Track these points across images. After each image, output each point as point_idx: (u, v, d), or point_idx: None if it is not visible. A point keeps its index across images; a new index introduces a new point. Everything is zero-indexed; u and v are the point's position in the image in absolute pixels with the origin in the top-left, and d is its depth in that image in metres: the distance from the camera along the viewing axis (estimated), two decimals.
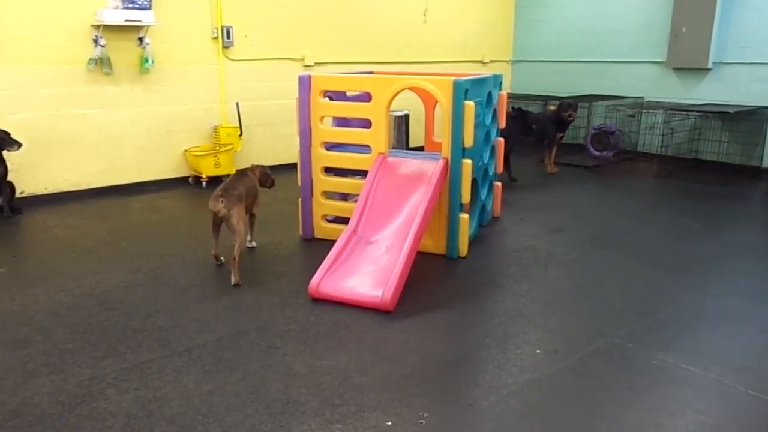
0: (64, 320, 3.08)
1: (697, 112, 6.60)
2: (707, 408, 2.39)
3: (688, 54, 6.93)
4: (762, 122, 6.51)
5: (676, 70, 7.18)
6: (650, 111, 7.26)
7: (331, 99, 4.33)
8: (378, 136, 4.00)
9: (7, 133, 4.72)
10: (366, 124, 4.10)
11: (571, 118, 6.46)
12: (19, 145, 4.74)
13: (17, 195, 5.03)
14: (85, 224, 4.71)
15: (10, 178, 4.85)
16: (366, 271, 3.42)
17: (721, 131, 6.86)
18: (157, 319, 3.10)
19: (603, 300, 3.41)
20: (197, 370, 2.62)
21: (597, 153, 7.40)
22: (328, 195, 4.36)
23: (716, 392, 2.50)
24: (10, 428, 2.22)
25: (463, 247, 4.02)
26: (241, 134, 6.18)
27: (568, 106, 6.47)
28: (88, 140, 5.45)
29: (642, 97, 7.48)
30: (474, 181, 4.19)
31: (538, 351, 2.83)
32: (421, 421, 2.29)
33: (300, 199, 4.36)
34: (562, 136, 6.62)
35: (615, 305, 3.34)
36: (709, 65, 6.79)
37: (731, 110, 6.27)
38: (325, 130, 4.21)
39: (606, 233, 4.61)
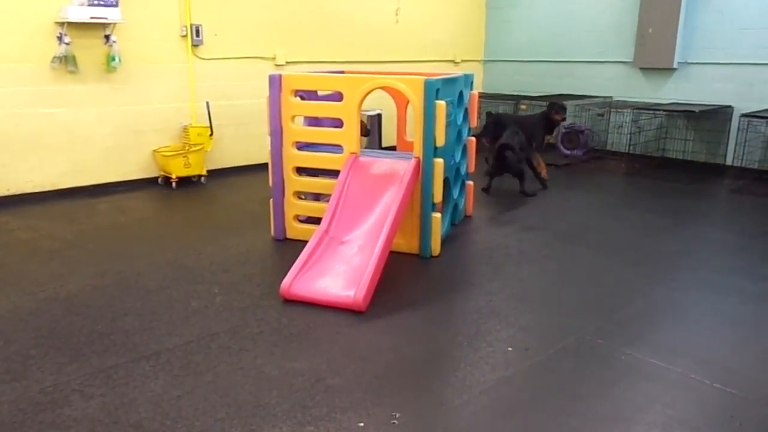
0: (27, 325, 2.99)
1: (664, 111, 6.74)
2: (674, 401, 2.44)
3: (654, 54, 7.07)
4: (725, 121, 6.68)
5: (643, 70, 7.31)
6: (618, 110, 7.38)
7: (302, 98, 4.30)
8: (349, 136, 3.98)
9: None
10: (338, 123, 4.08)
11: (563, 120, 6.26)
12: None
13: None
14: (50, 226, 4.60)
15: None
16: (338, 271, 3.40)
17: (686, 130, 7.02)
18: (124, 323, 3.03)
19: (573, 296, 3.45)
20: (165, 375, 2.57)
21: (567, 152, 7.50)
22: (301, 195, 4.33)
23: (682, 386, 2.55)
24: None
25: (436, 246, 4.02)
26: (211, 134, 6.09)
27: (561, 108, 6.22)
28: (52, 140, 5.32)
29: (611, 97, 7.60)
30: (446, 180, 4.21)
31: (509, 348, 2.85)
32: (393, 421, 2.28)
33: (271, 200, 4.32)
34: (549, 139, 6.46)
35: (585, 301, 3.38)
36: (675, 65, 6.94)
37: (696, 109, 6.41)
38: (296, 130, 4.18)
39: (576, 230, 4.67)
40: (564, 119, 6.31)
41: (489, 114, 6.90)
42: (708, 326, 3.10)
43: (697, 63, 6.87)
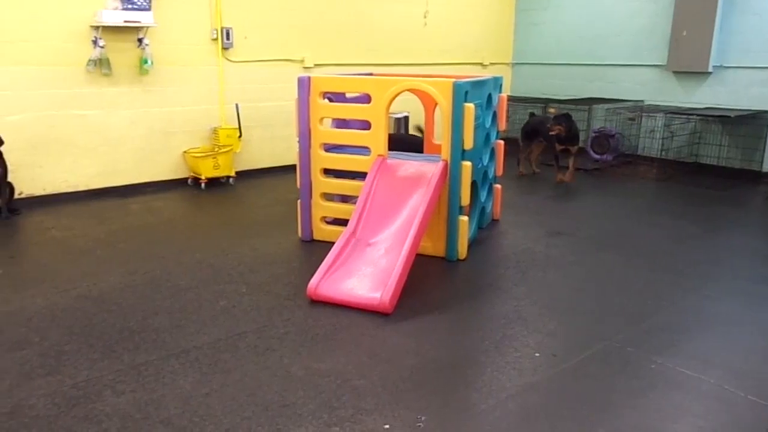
0: (60, 322, 3.06)
1: (698, 115, 6.60)
2: (706, 412, 2.38)
3: (688, 57, 6.93)
4: (762, 126, 6.51)
5: (677, 73, 7.17)
6: (651, 114, 7.25)
7: (330, 100, 4.32)
8: (377, 138, 3.99)
9: None
10: (365, 125, 4.09)
11: (552, 132, 6.05)
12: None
13: (16, 196, 5.02)
14: (83, 225, 4.70)
15: (9, 179, 4.85)
16: (365, 273, 3.41)
17: (721, 135, 6.86)
18: (154, 321, 3.08)
19: (601, 303, 3.40)
20: (194, 372, 2.60)
21: (597, 156, 7.39)
22: (329, 197, 4.35)
23: (715, 397, 2.49)
24: (6, 430, 2.21)
25: (463, 250, 4.00)
26: (240, 135, 6.17)
27: (554, 119, 6.11)
28: (86, 141, 5.44)
29: (642, 101, 7.48)
30: (474, 184, 4.19)
31: (536, 354, 2.81)
32: (419, 424, 2.28)
33: (299, 201, 4.35)
34: (564, 149, 6.24)
35: (614, 308, 3.32)
36: (710, 69, 6.79)
37: (732, 114, 6.27)
38: (324, 132, 4.20)
39: (605, 236, 4.60)
40: (554, 131, 6.03)
41: (532, 114, 6.85)
42: (741, 336, 3.02)
43: (733, 67, 6.70)
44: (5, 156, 4.75)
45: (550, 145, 6.35)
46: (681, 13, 6.91)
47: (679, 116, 6.78)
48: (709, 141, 6.94)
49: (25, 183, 5.17)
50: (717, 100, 6.87)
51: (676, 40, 7.00)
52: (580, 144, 6.81)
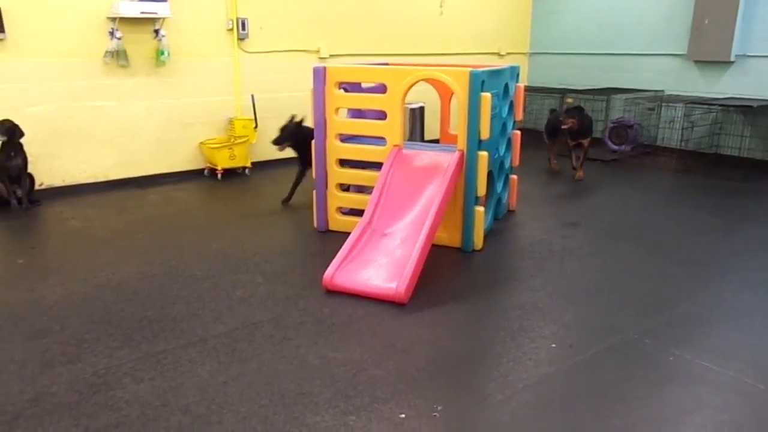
0: (80, 311, 3.11)
1: (719, 106, 6.48)
2: (725, 405, 2.35)
3: (710, 46, 6.80)
4: None
5: (698, 63, 7.05)
6: (670, 104, 7.13)
7: (346, 90, 4.31)
8: (393, 128, 3.98)
9: (15, 124, 4.72)
10: (381, 115, 4.08)
11: (564, 126, 5.92)
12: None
13: (36, 187, 5.09)
14: (102, 216, 4.76)
15: (29, 170, 4.91)
16: (380, 263, 3.41)
17: (743, 126, 6.74)
18: (172, 310, 3.12)
19: (619, 295, 3.37)
20: (212, 361, 2.63)
21: (615, 147, 7.30)
22: (345, 187, 4.35)
23: (735, 390, 2.46)
24: (29, 416, 2.25)
25: (478, 241, 3.99)
26: (256, 126, 6.18)
27: (565, 112, 6.01)
28: (104, 132, 5.49)
29: (662, 91, 7.36)
30: (490, 174, 4.16)
31: (553, 345, 2.80)
32: (434, 413, 2.28)
33: (314, 191, 4.36)
34: (576, 144, 6.11)
35: (631, 300, 3.29)
36: (732, 58, 6.65)
37: (754, 104, 6.14)
38: (339, 122, 4.20)
39: (623, 228, 4.55)
40: (567, 124, 5.90)
41: (552, 111, 6.79)
42: (761, 329, 2.98)
43: (756, 56, 6.56)
44: (25, 147, 4.82)
45: (564, 139, 6.28)
46: (702, 0, 6.78)
47: (699, 106, 6.67)
48: (731, 132, 6.82)
49: (45, 174, 5.24)
50: (739, 90, 6.74)
51: (698, 28, 6.87)
52: (598, 135, 6.69)
